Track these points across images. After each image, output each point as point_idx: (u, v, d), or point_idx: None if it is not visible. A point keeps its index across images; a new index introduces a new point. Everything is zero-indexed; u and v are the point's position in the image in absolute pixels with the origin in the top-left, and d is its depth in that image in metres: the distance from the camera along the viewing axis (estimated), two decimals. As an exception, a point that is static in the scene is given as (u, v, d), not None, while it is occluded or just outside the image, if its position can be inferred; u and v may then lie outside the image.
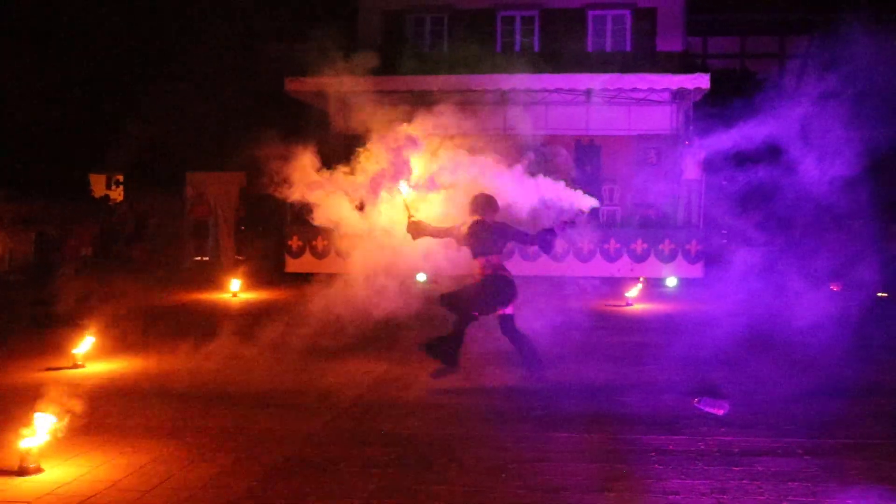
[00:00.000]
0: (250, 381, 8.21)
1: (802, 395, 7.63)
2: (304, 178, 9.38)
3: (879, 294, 15.34)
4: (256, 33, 20.88)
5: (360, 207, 9.60)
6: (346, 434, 6.36)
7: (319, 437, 6.29)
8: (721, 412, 6.87)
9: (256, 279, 17.10)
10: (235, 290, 15.36)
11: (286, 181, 9.42)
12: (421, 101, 18.80)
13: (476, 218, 8.31)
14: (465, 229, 8.35)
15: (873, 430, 6.54)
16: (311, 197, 9.41)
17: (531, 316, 11.31)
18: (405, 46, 21.90)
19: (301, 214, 19.06)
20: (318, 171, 9.39)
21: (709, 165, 17.39)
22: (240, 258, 20.17)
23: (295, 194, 9.41)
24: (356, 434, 6.35)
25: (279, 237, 18.83)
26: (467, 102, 17.54)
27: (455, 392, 7.74)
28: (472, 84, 17.83)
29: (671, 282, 16.71)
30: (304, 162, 9.37)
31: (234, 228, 20.80)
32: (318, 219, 9.81)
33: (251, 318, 12.22)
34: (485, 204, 8.34)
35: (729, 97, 19.50)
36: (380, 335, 10.64)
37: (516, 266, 17.25)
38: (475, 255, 8.34)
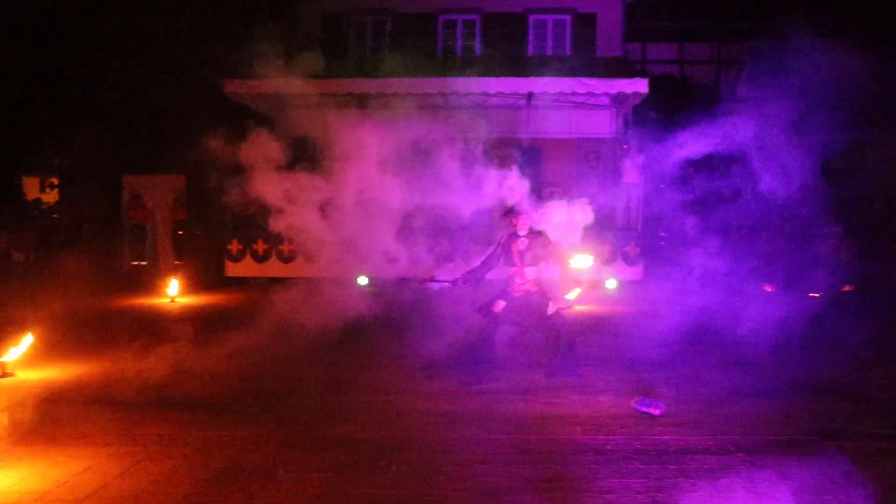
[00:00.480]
0: (190, 386, 8.08)
1: (737, 394, 7.79)
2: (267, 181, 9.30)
3: (811, 294, 15.73)
4: (197, 33, 20.61)
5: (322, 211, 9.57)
6: (288, 439, 6.31)
7: (260, 442, 6.23)
8: (657, 412, 6.98)
9: (195, 283, 16.87)
10: (173, 295, 15.13)
11: (244, 184, 9.33)
12: (363, 105, 18.79)
13: (532, 230, 8.64)
14: (520, 244, 8.58)
15: (802, 428, 6.70)
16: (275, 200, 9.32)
17: (468, 320, 11.36)
18: (347, 50, 21.84)
19: (245, 217, 18.89)
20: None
21: (647, 169, 17.66)
22: (178, 263, 19.87)
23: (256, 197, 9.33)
24: (298, 439, 6.31)
25: (219, 241, 18.61)
26: (409, 106, 17.57)
27: (396, 396, 7.73)
28: (413, 88, 17.85)
29: (610, 284, 16.90)
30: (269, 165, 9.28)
31: (172, 232, 20.50)
32: (277, 223, 9.73)
33: (189, 322, 12.04)
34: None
35: (667, 102, 19.87)
36: (323, 339, 10.57)
37: (448, 270, 17.33)
38: (522, 266, 8.54)
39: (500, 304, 8.53)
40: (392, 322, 12.36)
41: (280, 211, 19.42)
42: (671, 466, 5.66)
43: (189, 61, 19.46)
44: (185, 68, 19.65)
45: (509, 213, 8.89)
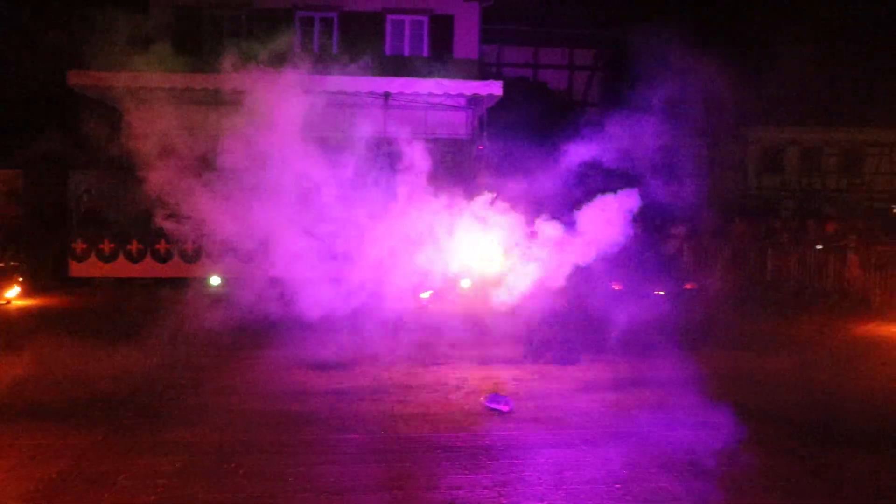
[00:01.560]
0: (23, 392, 7.67)
1: (582, 389, 8.07)
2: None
3: (657, 292, 16.42)
4: (36, 19, 19.59)
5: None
6: (128, 444, 6.09)
7: (98, 448, 5.98)
8: (506, 408, 7.13)
9: (35, 285, 16.03)
10: (10, 297, 14.33)
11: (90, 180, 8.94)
12: (218, 101, 18.34)
13: None
14: None
15: (641, 420, 6.99)
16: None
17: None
18: (202, 44, 21.26)
19: (91, 214, 18.09)
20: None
21: (500, 169, 17.98)
22: (14, 263, 18.81)
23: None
24: (138, 444, 6.10)
25: (62, 240, 17.75)
26: (263, 103, 17.25)
27: (243, 397, 7.59)
28: (266, 84, 17.53)
29: (466, 283, 17.10)
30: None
31: (7, 231, 19.37)
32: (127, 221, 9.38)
33: (25, 325, 11.46)
34: None
35: (521, 104, 20.31)
36: (168, 339, 10.26)
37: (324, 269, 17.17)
38: None
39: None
40: (244, 322, 12.12)
41: (130, 208, 18.74)
42: (518, 461, 5.79)
43: (27, 49, 18.48)
44: (21, 57, 18.64)
45: None
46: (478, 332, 11.36)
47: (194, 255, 17.44)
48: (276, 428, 6.56)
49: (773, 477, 5.56)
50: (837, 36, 23.35)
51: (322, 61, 18.50)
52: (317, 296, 14.58)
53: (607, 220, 11.06)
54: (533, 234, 12.72)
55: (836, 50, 23.14)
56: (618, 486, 5.32)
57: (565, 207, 13.97)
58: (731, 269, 17.52)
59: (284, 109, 16.22)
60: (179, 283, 16.78)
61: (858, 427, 7.00)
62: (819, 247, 16.81)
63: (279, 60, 18.25)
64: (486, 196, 14.87)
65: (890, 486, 5.47)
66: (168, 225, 14.64)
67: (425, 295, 14.19)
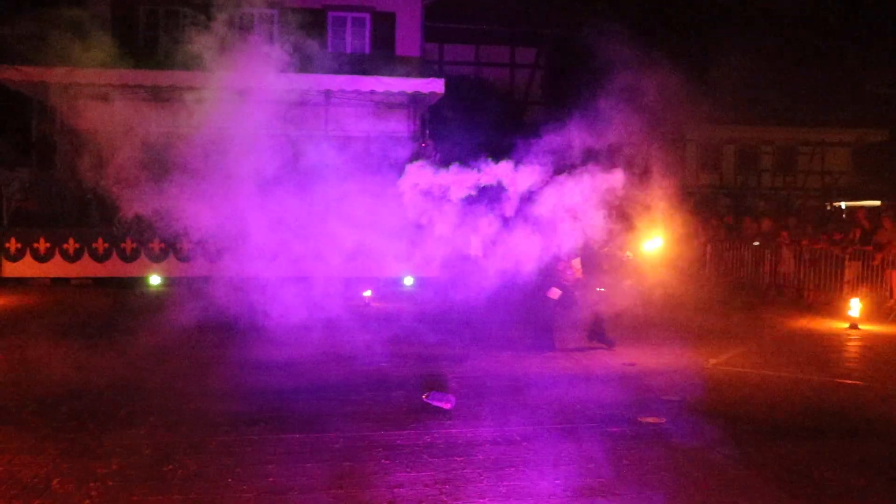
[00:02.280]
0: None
1: (524, 386, 8.13)
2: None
3: (598, 289, 16.57)
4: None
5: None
6: (64, 448, 5.96)
7: (31, 453, 5.84)
8: (448, 406, 7.15)
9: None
10: (-60, 298, 13.95)
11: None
12: (156, 97, 18.04)
13: None
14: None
15: (583, 415, 7.07)
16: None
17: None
18: (138, 38, 20.90)
19: (25, 213, 17.67)
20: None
21: (442, 167, 17.99)
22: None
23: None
24: (75, 447, 5.97)
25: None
26: (202, 100, 17.04)
27: (185, 397, 7.49)
28: (204, 81, 17.30)
29: (408, 280, 17.13)
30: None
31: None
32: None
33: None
34: None
35: (463, 102, 20.37)
36: (112, 341, 10.10)
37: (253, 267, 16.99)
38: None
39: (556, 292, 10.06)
40: (187, 322, 11.97)
41: (65, 206, 18.34)
42: (459, 458, 5.81)
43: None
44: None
45: None
46: (421, 330, 11.36)
47: (133, 255, 17.14)
48: (218, 428, 6.48)
49: (711, 468, 5.67)
50: (775, 37, 23.85)
51: (262, 58, 18.32)
52: (261, 295, 14.47)
53: (549, 218, 11.20)
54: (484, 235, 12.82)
55: (773, 50, 23.65)
56: (559, 481, 5.38)
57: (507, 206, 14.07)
58: (670, 266, 17.79)
59: (223, 107, 16.02)
60: (118, 283, 16.52)
61: (792, 419, 7.19)
62: (756, 243, 17.19)
63: (219, 56, 18.04)
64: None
65: (822, 475, 5.61)
66: (107, 223, 14.41)
67: (368, 293, 14.19)
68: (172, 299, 14.67)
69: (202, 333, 10.89)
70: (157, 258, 17.15)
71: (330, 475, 5.41)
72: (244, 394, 7.70)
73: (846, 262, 14.79)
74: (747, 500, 5.12)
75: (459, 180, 14.54)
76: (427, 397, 7.30)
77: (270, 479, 5.32)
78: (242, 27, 22.12)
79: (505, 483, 5.33)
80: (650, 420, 6.89)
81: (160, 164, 9.62)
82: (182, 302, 14.26)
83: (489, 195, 14.88)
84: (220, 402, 7.33)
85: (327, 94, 18.65)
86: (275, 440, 6.18)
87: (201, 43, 17.92)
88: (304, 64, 18.88)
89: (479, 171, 13.95)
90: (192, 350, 9.79)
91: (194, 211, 16.33)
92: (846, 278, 14.71)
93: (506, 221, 13.73)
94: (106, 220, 16.89)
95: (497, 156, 14.64)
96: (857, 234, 15.41)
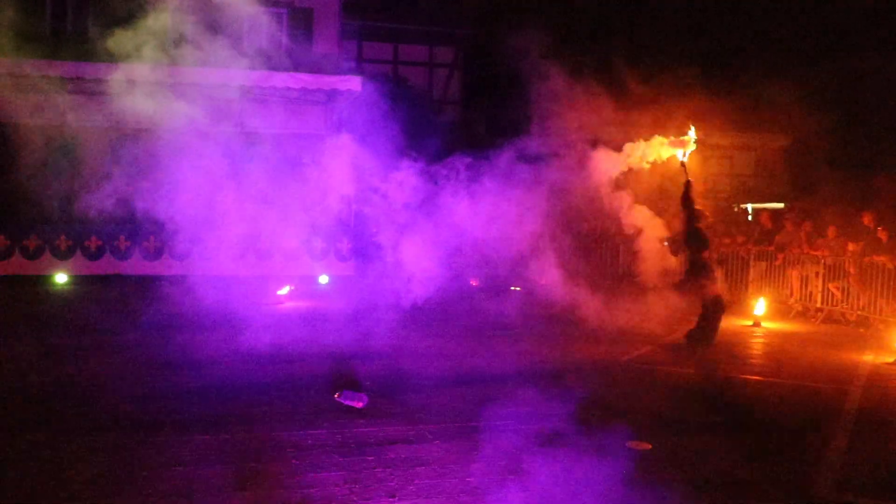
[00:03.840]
0: None
1: (437, 385, 8.16)
2: None
3: (512, 287, 16.77)
4: None
5: None
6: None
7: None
8: (360, 405, 7.12)
9: None
10: None
11: None
12: (61, 89, 17.45)
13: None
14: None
15: (490, 414, 7.12)
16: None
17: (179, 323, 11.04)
18: (43, 27, 20.19)
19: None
20: None
21: (359, 166, 17.92)
22: None
23: None
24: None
25: None
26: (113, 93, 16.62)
27: (89, 400, 7.28)
28: (106, 73, 16.85)
29: (323, 279, 17.01)
30: None
31: None
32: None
33: None
34: None
35: (381, 101, 20.30)
36: (9, 341, 9.75)
37: (165, 266, 16.68)
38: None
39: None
40: (92, 321, 11.68)
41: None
42: (370, 458, 5.80)
43: None
44: None
45: None
46: (335, 328, 11.29)
47: (36, 252, 16.58)
48: (123, 431, 6.32)
49: (616, 462, 5.77)
50: (687, 44, 24.41)
51: (178, 52, 17.93)
52: (171, 294, 14.20)
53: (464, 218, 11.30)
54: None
55: (685, 55, 24.19)
56: (470, 479, 5.41)
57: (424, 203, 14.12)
58: (584, 265, 18.10)
59: (133, 101, 15.63)
60: (20, 281, 15.96)
61: (694, 413, 7.39)
62: (665, 242, 17.56)
63: (136, 49, 17.59)
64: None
65: (715, 466, 5.78)
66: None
67: (283, 291, 14.04)
68: (76, 299, 14.29)
69: (107, 334, 10.60)
70: (63, 256, 16.63)
71: (238, 477, 5.33)
72: (150, 395, 7.51)
73: (751, 262, 15.26)
74: (651, 492, 5.23)
75: (375, 179, 14.54)
76: (339, 396, 7.26)
77: (176, 483, 5.22)
78: (155, 20, 21.66)
79: (416, 482, 5.34)
80: (639, 446, 6.48)
81: (66, 159, 9.32)
82: (87, 301, 13.92)
83: (404, 195, 14.90)
84: (124, 405, 7.14)
85: (242, 89, 18.34)
86: (181, 442, 6.05)
87: (113, 35, 17.49)
88: (219, 59, 18.62)
89: (394, 169, 13.97)
90: (96, 351, 9.49)
91: (102, 208, 15.93)
92: (751, 278, 15.18)
93: (418, 220, 13.77)
94: (10, 216, 16.33)
95: (413, 155, 14.66)
96: (756, 235, 15.91)
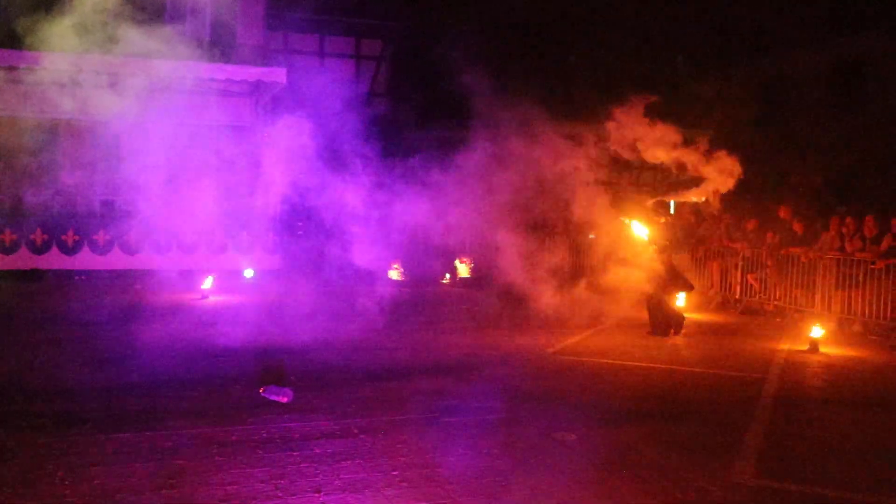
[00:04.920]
0: None
1: (363, 379, 8.14)
2: None
3: (443, 280, 16.82)
4: None
5: None
6: None
7: None
8: (285, 399, 7.06)
9: None
10: None
11: None
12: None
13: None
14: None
15: (415, 407, 7.14)
16: None
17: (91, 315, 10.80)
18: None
19: None
20: None
21: (285, 158, 17.75)
22: None
23: None
24: None
25: None
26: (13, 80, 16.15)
27: (4, 397, 7.04)
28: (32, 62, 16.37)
29: (249, 273, 16.81)
30: None
31: None
32: None
33: None
34: None
35: (306, 93, 20.13)
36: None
37: (86, 260, 16.27)
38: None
39: None
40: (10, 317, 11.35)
41: None
42: (295, 453, 5.75)
43: None
44: None
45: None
46: (260, 323, 11.17)
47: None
48: (40, 430, 6.13)
49: (545, 454, 5.84)
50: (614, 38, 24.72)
51: (99, 41, 17.47)
52: (91, 288, 13.88)
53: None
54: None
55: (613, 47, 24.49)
56: (395, 472, 5.41)
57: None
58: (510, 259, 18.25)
59: (48, 91, 15.19)
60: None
61: (623, 403, 7.51)
62: (592, 235, 17.81)
63: (54, 37, 17.07)
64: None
65: (644, 456, 5.89)
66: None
67: (206, 284, 13.82)
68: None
69: (23, 330, 10.30)
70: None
71: (161, 475, 5.23)
72: (68, 392, 7.33)
73: (674, 255, 15.55)
74: (575, 482, 5.30)
75: (302, 171, 14.42)
76: (264, 391, 7.18)
77: (97, 482, 5.09)
78: (75, 8, 21.07)
79: (342, 476, 5.31)
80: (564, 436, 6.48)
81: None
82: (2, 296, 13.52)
83: (331, 187, 14.80)
84: (42, 402, 6.94)
85: (165, 80, 17.96)
86: (102, 440, 5.91)
87: (28, 22, 16.95)
88: (141, 49, 18.19)
89: (320, 162, 13.87)
90: (12, 347, 9.22)
91: (18, 200, 15.46)
92: (675, 270, 15.48)
93: (345, 212, 13.72)
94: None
95: (340, 148, 14.57)
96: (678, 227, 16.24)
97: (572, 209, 13.91)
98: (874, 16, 18.32)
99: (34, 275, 15.56)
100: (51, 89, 16.42)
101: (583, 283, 13.37)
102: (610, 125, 13.64)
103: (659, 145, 13.66)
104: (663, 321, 11.35)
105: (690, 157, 14.21)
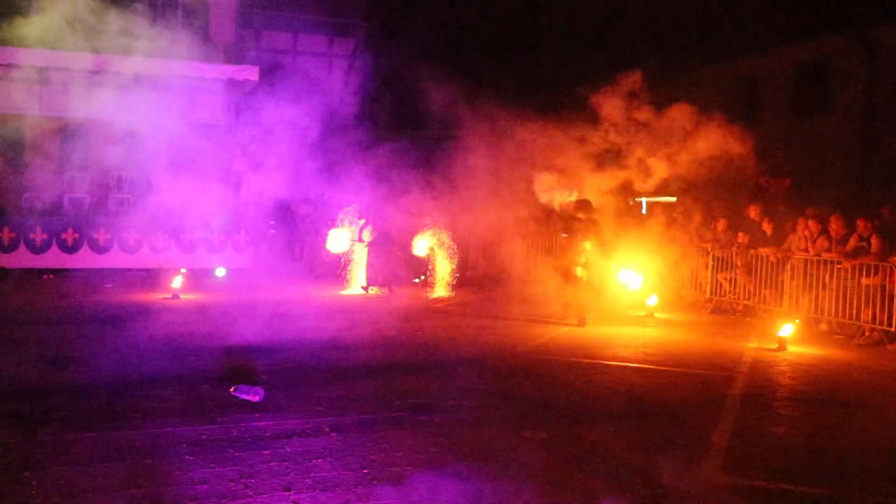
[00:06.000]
0: None
1: (334, 377, 8.13)
2: None
3: (416, 279, 16.80)
4: None
5: None
6: None
7: None
8: (256, 398, 7.03)
9: None
10: None
11: None
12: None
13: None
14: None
15: (393, 405, 7.15)
16: None
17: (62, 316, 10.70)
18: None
19: None
20: None
21: (257, 156, 17.68)
22: None
23: None
24: None
25: None
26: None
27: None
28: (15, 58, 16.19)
29: (220, 271, 16.72)
30: None
31: None
32: None
33: None
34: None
35: (279, 91, 20.04)
36: None
37: (54, 259, 16.09)
38: None
39: None
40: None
41: None
42: (266, 452, 5.73)
43: None
44: None
45: None
46: (231, 321, 11.12)
47: None
48: (4, 429, 6.06)
49: (517, 452, 5.87)
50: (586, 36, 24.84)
51: (70, 37, 17.29)
52: (58, 287, 13.74)
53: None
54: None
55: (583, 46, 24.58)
56: (366, 471, 5.41)
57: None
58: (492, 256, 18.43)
59: (15, 86, 15.02)
60: None
61: (595, 403, 7.56)
62: (564, 235, 17.87)
63: (21, 33, 16.87)
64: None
65: (616, 455, 5.93)
66: None
67: (176, 283, 13.72)
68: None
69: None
70: None
71: (129, 475, 5.19)
72: (35, 391, 7.26)
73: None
74: (545, 480, 5.33)
75: (274, 169, 14.37)
76: (235, 390, 7.15)
77: (63, 482, 5.04)
78: (46, 4, 20.84)
79: (312, 475, 5.30)
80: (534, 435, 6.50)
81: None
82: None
83: (302, 185, 14.77)
84: (5, 401, 6.87)
85: (136, 77, 17.81)
86: (69, 440, 5.85)
87: (8, 19, 16.69)
88: (112, 45, 18.01)
89: (293, 160, 13.83)
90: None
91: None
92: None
93: (314, 210, 13.66)
94: None
95: (311, 144, 14.53)
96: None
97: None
98: (832, 18, 18.56)
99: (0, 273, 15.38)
100: (16, 86, 16.23)
101: (553, 282, 13.37)
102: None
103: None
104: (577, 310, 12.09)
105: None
